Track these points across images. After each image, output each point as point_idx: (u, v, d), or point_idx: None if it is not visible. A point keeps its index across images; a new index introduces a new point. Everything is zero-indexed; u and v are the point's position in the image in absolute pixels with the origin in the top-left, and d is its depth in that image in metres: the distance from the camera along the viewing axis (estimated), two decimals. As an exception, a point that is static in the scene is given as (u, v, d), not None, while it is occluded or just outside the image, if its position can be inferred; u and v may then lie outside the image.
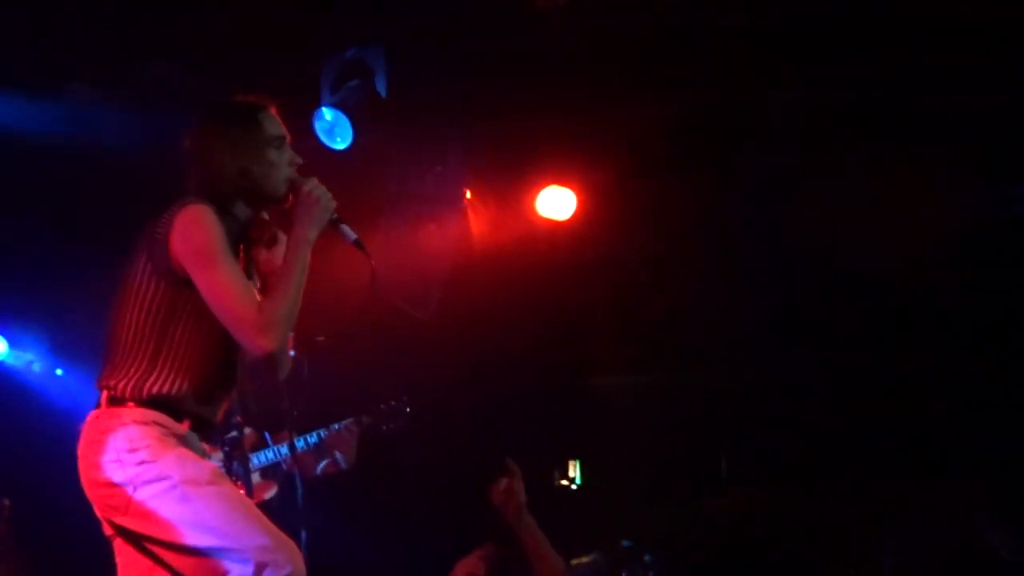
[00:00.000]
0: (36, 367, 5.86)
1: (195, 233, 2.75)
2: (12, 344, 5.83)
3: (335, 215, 2.85)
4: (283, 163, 2.90)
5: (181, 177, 2.88)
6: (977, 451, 5.79)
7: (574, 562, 4.75)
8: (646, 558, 4.74)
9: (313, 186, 2.84)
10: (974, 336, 5.83)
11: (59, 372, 5.86)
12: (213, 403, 2.91)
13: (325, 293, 3.37)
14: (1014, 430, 5.70)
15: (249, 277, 2.88)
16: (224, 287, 2.74)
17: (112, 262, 2.93)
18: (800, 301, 6.06)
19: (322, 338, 4.52)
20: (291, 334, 3.03)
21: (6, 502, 5.11)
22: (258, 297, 2.80)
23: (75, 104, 5.16)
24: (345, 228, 2.90)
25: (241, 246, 2.95)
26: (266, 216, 2.95)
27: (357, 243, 2.90)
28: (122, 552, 2.81)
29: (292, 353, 3.36)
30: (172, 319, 2.78)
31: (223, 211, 2.84)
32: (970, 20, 4.54)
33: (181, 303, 2.76)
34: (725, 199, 5.67)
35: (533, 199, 5.69)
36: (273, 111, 2.95)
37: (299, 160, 2.94)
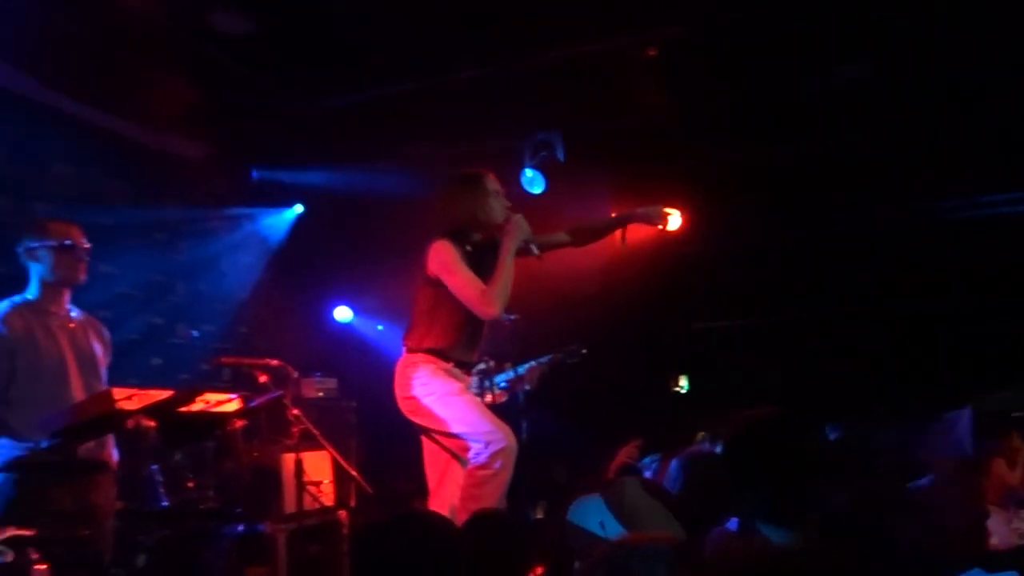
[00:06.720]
0: (379, 328, 7.21)
1: (438, 256, 3.46)
2: (356, 313, 7.30)
3: (528, 236, 3.53)
4: (498, 205, 3.56)
5: (435, 218, 3.59)
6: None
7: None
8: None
9: (518, 218, 3.53)
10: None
11: (380, 328, 7.31)
12: (469, 351, 3.57)
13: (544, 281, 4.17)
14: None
15: (486, 269, 3.44)
16: (460, 283, 3.41)
17: (409, 263, 3.65)
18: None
19: (515, 316, 4.26)
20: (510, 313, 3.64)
21: (352, 403, 6.11)
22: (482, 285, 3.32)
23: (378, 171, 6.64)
24: (532, 247, 3.56)
25: (480, 252, 3.43)
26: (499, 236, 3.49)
27: (538, 256, 3.56)
28: (425, 441, 3.59)
29: (513, 317, 4.19)
30: (438, 305, 3.51)
31: (463, 237, 3.51)
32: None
33: (442, 296, 3.48)
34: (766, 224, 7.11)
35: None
36: (492, 176, 3.61)
37: (508, 203, 3.62)
